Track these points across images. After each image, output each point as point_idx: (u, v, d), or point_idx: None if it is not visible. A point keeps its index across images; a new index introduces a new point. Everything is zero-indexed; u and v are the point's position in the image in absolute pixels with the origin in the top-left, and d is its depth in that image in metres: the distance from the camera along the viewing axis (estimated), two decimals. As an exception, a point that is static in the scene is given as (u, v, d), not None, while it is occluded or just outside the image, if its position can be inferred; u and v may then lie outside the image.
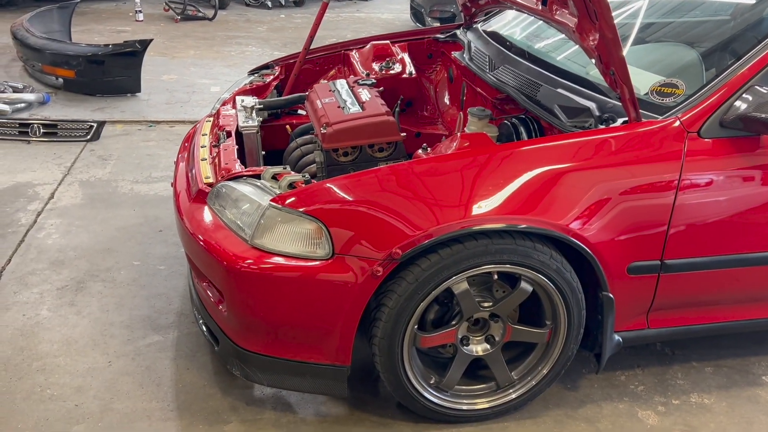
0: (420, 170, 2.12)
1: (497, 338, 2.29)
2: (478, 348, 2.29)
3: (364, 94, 2.75)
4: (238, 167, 2.48)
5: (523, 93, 2.60)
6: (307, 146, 2.83)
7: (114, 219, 3.69)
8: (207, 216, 2.38)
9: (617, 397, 2.52)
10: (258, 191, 2.28)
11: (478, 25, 3.57)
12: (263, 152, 2.90)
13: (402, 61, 3.52)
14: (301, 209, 2.09)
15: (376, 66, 3.47)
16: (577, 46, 2.41)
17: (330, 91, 2.87)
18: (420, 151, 2.46)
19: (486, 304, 2.22)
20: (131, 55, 5.62)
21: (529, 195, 2.10)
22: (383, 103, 2.69)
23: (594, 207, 2.14)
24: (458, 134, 2.38)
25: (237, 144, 2.79)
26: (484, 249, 2.08)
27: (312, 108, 2.79)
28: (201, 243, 2.28)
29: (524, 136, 2.58)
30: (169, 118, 5.29)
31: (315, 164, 2.65)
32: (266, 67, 3.59)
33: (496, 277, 2.18)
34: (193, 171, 2.67)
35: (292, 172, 2.34)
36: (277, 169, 2.34)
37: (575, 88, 2.50)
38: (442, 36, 3.63)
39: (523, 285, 2.19)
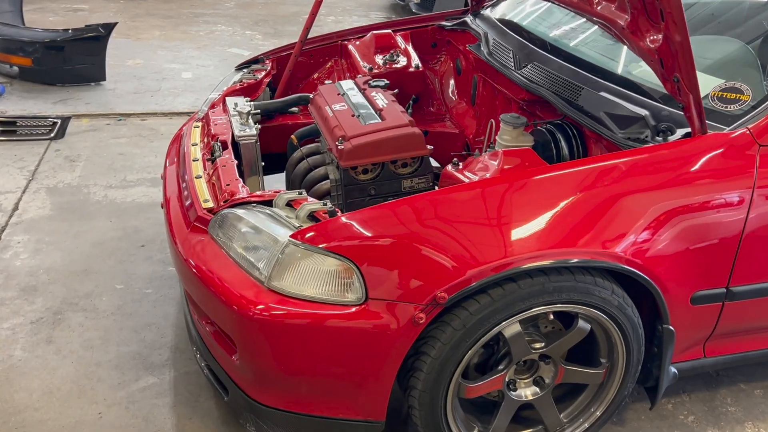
0: (464, 198, 1.83)
1: (547, 380, 2.04)
2: (527, 392, 2.04)
3: (380, 100, 2.43)
4: (243, 190, 2.16)
5: (562, 97, 2.31)
6: (315, 158, 2.51)
7: (89, 233, 3.32)
8: (210, 249, 2.06)
9: (668, 430, 2.31)
10: (272, 222, 1.96)
11: (488, 12, 3.26)
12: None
13: (406, 53, 3.19)
14: (326, 246, 1.79)
15: (379, 59, 3.14)
16: (614, 42, 2.13)
17: (339, 94, 2.54)
18: (450, 167, 2.17)
19: (537, 345, 1.96)
20: (94, 40, 5.15)
21: (591, 223, 1.83)
22: (403, 110, 2.38)
23: (658, 233, 1.89)
24: (500, 150, 2.09)
25: (234, 154, 2.46)
26: (541, 288, 1.81)
27: (320, 116, 2.47)
28: (206, 283, 1.97)
29: (563, 144, 2.31)
30: (139, 110, 4.87)
31: (328, 181, 2.33)
32: (255, 61, 3.23)
33: (551, 317, 1.92)
34: (187, 190, 2.34)
35: (309, 198, 2.02)
36: (292, 194, 2.02)
37: (621, 91, 2.23)
38: (449, 24, 3.31)
39: (581, 324, 1.94)
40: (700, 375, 2.55)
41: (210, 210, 2.16)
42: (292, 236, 1.84)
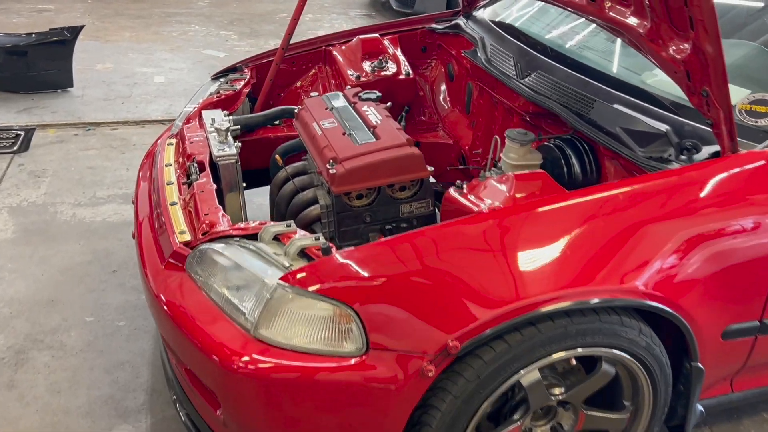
0: (475, 232, 1.62)
1: (566, 428, 1.84)
2: (544, 440, 1.85)
3: (373, 115, 2.22)
4: (223, 221, 1.93)
5: (573, 110, 2.11)
6: (302, 178, 2.29)
7: (56, 257, 3.07)
8: (188, 289, 1.84)
9: (692, 468, 2.13)
10: (257, 260, 1.74)
11: (481, 13, 3.06)
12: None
13: (396, 59, 2.98)
14: (321, 289, 1.58)
15: (366, 65, 2.93)
16: (623, 47, 1.95)
17: (326, 109, 2.31)
18: (453, 191, 1.96)
19: (557, 391, 1.76)
20: (59, 44, 4.86)
21: (615, 256, 1.64)
22: (399, 127, 2.16)
23: (688, 264, 1.71)
24: (511, 174, 1.89)
25: (212, 176, 2.23)
26: (563, 332, 1.62)
27: (307, 133, 2.24)
28: (183, 329, 1.74)
29: (574, 160, 2.11)
30: (109, 118, 4.59)
31: (317, 206, 2.11)
32: (233, 69, 2.99)
33: (574, 362, 1.72)
34: (161, 219, 2.10)
35: (299, 231, 1.80)
36: (279, 227, 1.80)
37: (637, 104, 2.04)
38: (440, 27, 3.10)
39: (605, 367, 1.74)
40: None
41: (187, 243, 1.94)
42: (281, 278, 1.62)
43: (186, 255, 1.89)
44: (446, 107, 3.14)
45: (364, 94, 2.38)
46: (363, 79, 2.86)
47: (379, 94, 2.39)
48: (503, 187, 1.85)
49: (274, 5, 7.96)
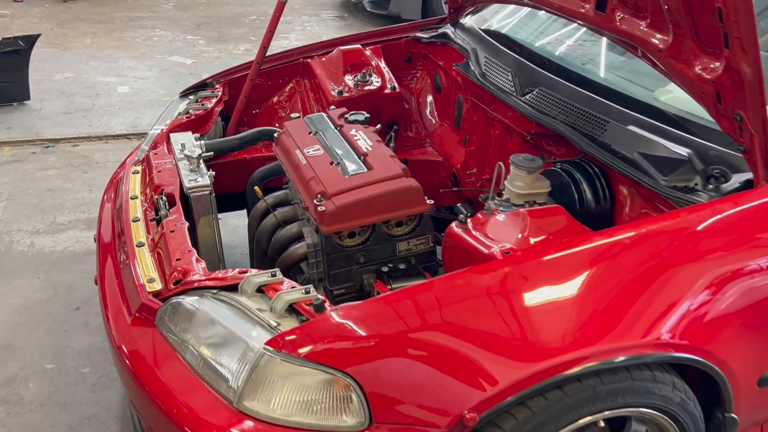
0: (489, 284, 1.42)
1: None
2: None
3: (362, 140, 2.00)
4: (198, 267, 1.71)
5: (583, 133, 1.92)
6: (284, 210, 2.06)
7: (12, 294, 2.79)
8: (159, 348, 1.62)
9: None
10: (239, 317, 1.53)
11: (469, 21, 2.85)
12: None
13: (380, 71, 2.77)
14: (315, 355, 1.37)
15: (349, 79, 2.71)
16: (628, 59, 1.77)
17: (310, 133, 2.09)
18: (458, 228, 1.75)
19: (580, 454, 1.57)
20: (14, 54, 4.54)
21: (649, 305, 1.46)
22: (393, 154, 1.95)
23: (723, 308, 1.53)
24: (524, 211, 1.69)
25: (183, 210, 2.00)
26: (592, 393, 1.42)
27: (290, 162, 2.02)
28: (154, 398, 1.52)
29: (584, 186, 1.92)
30: (70, 133, 4.30)
31: (303, 244, 1.89)
32: (203, 85, 2.74)
33: (602, 424, 1.53)
34: (127, 263, 1.87)
35: (285, 281, 1.58)
36: (263, 277, 1.58)
37: (654, 125, 1.85)
38: (426, 36, 2.89)
39: (635, 427, 1.56)
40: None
41: (157, 294, 1.71)
42: (269, 342, 1.40)
43: (156, 308, 1.66)
44: (434, 121, 2.94)
45: (350, 115, 2.16)
46: (346, 94, 2.64)
47: (368, 115, 2.17)
48: (516, 226, 1.65)
49: (242, 8, 7.67)
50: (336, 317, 1.40)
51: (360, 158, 1.92)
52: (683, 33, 1.62)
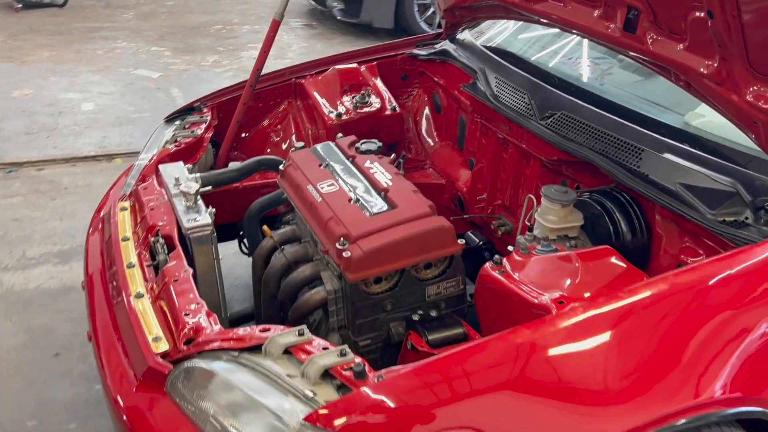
0: (553, 342, 1.28)
1: None
2: None
3: (380, 173, 1.85)
4: (211, 323, 1.53)
5: (617, 162, 1.81)
6: (294, 249, 1.89)
7: (-18, 341, 2.56)
8: (173, 420, 1.43)
9: None
10: (267, 385, 1.36)
11: (467, 36, 2.73)
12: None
13: (378, 92, 2.62)
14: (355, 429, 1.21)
15: (347, 101, 2.55)
16: (648, 79, 1.68)
17: (321, 166, 1.93)
18: (493, 269, 1.61)
19: None
20: (-31, 72, 4.25)
21: (714, 357, 1.34)
22: (415, 189, 1.80)
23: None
24: (572, 253, 1.56)
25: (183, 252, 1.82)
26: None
27: (301, 198, 1.85)
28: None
29: (618, 217, 1.80)
30: (34, 156, 4.03)
31: (320, 290, 1.73)
32: (189, 109, 2.55)
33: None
34: (125, 318, 1.68)
35: (315, 339, 1.42)
36: (289, 337, 1.41)
37: (692, 153, 1.75)
38: (423, 53, 2.76)
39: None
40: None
41: (165, 356, 1.53)
42: (306, 418, 1.24)
43: (166, 373, 1.48)
44: (432, 142, 2.80)
45: (362, 144, 2.01)
46: (344, 117, 2.49)
47: (380, 144, 2.02)
48: (565, 270, 1.52)
49: (206, 16, 7.42)
50: (382, 388, 1.25)
51: (381, 194, 1.76)
52: (732, 57, 1.52)
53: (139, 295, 1.72)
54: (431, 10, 6.66)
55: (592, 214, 1.84)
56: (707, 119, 1.86)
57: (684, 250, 1.70)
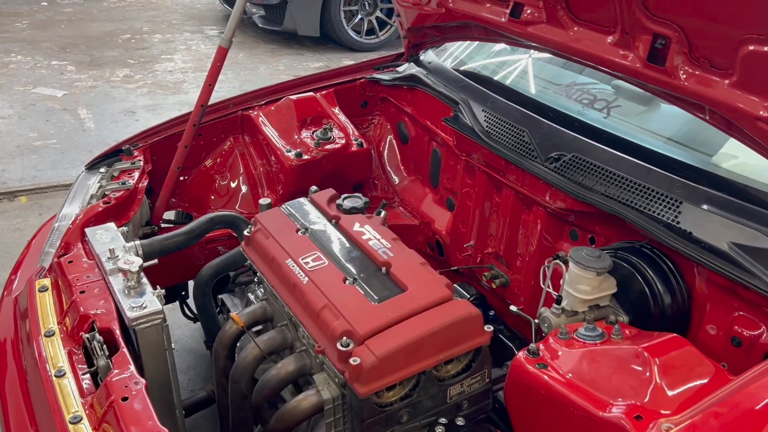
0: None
1: None
2: None
3: (376, 242, 1.50)
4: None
5: (653, 217, 1.55)
6: (269, 337, 1.52)
7: None
8: None
9: None
10: None
11: (433, 58, 2.43)
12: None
13: (341, 125, 2.28)
14: None
15: (306, 137, 2.20)
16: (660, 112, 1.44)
17: (298, 231, 1.56)
18: (528, 363, 1.31)
19: None
20: None
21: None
22: (424, 261, 1.47)
23: None
24: (639, 349, 1.27)
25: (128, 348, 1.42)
26: None
27: (278, 276, 1.48)
28: None
29: (654, 279, 1.55)
30: None
31: (310, 395, 1.37)
32: (117, 151, 2.12)
33: None
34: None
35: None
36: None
37: (735, 203, 1.51)
38: (387, 77, 2.44)
39: None
40: None
41: None
42: None
43: None
44: (399, 178, 2.49)
45: (345, 199, 1.65)
46: (305, 156, 2.14)
47: (367, 200, 1.67)
48: (632, 368, 1.23)
49: (112, 25, 6.79)
50: None
51: (381, 270, 1.43)
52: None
53: (76, 419, 1.32)
54: (359, 17, 6.34)
55: (622, 275, 1.57)
56: (741, 161, 1.64)
57: (737, 320, 1.46)
